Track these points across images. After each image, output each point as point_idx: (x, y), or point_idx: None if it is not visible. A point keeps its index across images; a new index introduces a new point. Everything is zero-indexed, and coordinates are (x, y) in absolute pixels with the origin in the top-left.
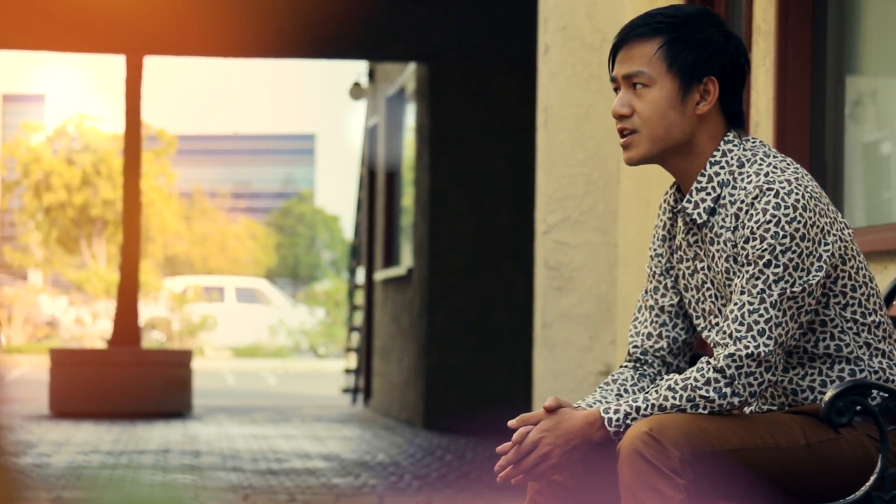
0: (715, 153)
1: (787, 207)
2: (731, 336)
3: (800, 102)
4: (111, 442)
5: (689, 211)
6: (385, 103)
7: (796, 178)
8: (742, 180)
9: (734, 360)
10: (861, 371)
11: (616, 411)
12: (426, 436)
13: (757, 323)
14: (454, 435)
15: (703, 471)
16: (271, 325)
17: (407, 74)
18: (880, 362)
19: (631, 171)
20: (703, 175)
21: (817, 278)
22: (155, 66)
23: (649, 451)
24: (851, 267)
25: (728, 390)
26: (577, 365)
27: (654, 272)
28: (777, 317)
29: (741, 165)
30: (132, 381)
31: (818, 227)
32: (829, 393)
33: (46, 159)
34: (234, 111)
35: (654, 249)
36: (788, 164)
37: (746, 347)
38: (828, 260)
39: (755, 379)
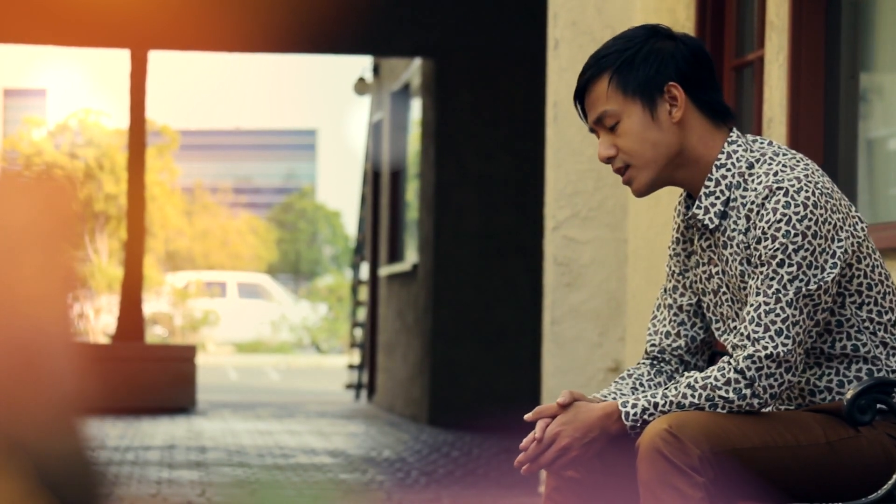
0: (720, 156)
1: (797, 206)
2: (748, 337)
3: (813, 98)
4: (116, 437)
5: (700, 217)
6: (390, 99)
7: (806, 176)
8: (752, 181)
9: (754, 362)
10: (879, 371)
11: (634, 406)
12: (431, 432)
13: (774, 323)
14: (459, 431)
15: (722, 469)
16: (273, 321)
17: (412, 70)
18: None
19: None
20: (710, 179)
21: (832, 275)
22: (154, 62)
23: (669, 449)
24: (867, 265)
25: (748, 391)
26: (586, 361)
27: (674, 271)
28: (794, 315)
29: (751, 167)
30: (136, 376)
31: (830, 223)
32: (852, 391)
33: (49, 153)
34: (234, 106)
35: (673, 249)
36: (798, 161)
37: (765, 348)
38: (841, 256)
39: (775, 380)
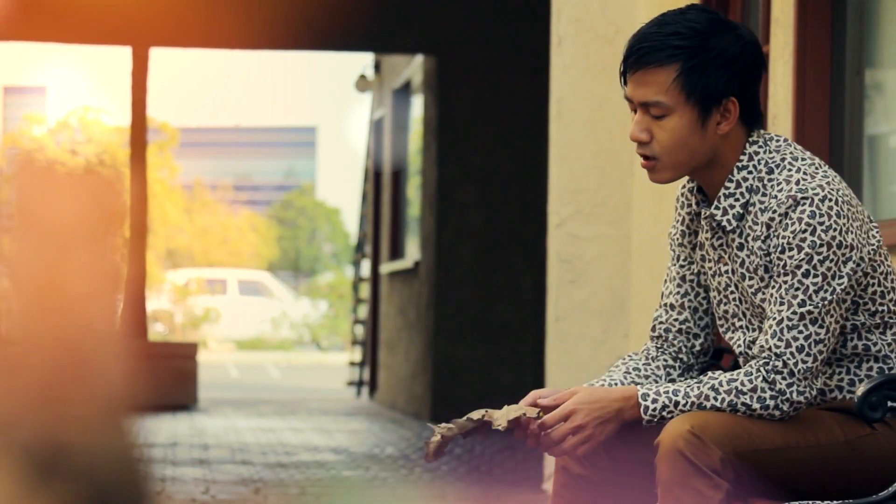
0: (742, 157)
1: (822, 215)
2: (771, 350)
3: (819, 95)
4: None
5: (718, 217)
6: (391, 96)
7: (828, 183)
8: (773, 188)
9: (783, 377)
10: (890, 369)
11: (654, 401)
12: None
13: (796, 339)
14: None
15: (743, 470)
16: (274, 318)
17: (414, 67)
18: None
19: None
20: (730, 181)
21: (845, 286)
22: (154, 59)
23: (690, 450)
24: (881, 273)
25: (772, 403)
26: (590, 358)
27: (678, 255)
28: (817, 334)
29: (770, 171)
30: (138, 373)
31: (852, 232)
32: (862, 388)
33: (49, 150)
34: (234, 103)
35: (676, 239)
36: (818, 168)
37: (785, 365)
38: (855, 268)
39: (800, 393)
